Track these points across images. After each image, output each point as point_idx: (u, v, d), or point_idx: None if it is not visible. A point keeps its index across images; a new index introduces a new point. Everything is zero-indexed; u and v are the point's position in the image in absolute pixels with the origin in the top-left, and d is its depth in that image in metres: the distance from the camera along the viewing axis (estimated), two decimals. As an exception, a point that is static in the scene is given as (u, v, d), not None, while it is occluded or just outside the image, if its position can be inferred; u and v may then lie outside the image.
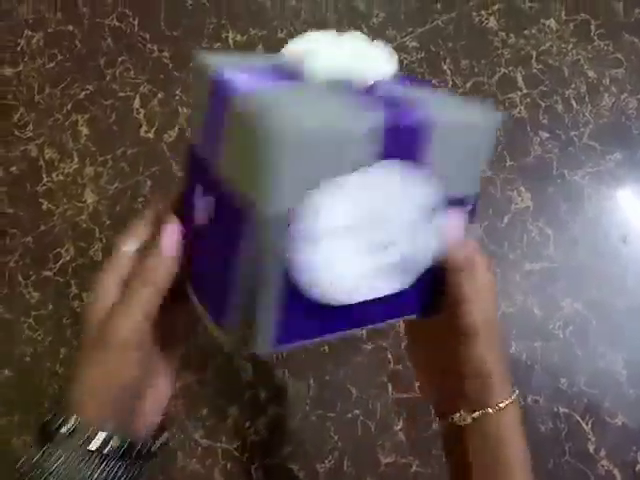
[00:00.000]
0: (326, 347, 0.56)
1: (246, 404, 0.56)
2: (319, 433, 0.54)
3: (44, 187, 0.64)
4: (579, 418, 0.53)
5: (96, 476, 0.26)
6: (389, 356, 0.55)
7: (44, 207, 0.63)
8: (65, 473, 0.25)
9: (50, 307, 0.60)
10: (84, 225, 0.62)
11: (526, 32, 0.62)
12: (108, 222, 0.62)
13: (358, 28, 0.65)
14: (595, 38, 0.62)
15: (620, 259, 0.55)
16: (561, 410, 0.53)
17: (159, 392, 0.30)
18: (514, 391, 0.31)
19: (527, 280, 0.56)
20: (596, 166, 0.58)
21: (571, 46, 0.62)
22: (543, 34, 0.62)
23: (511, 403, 0.30)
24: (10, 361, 0.59)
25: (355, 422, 0.54)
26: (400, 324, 0.54)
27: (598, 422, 0.52)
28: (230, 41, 0.66)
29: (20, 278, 0.61)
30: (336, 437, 0.54)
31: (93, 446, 0.26)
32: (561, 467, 0.51)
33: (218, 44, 0.66)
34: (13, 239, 0.63)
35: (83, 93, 0.67)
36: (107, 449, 0.26)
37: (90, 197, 0.63)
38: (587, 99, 0.60)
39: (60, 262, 0.61)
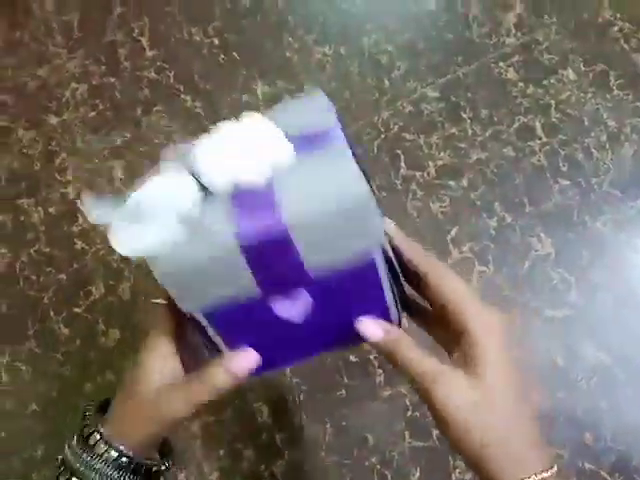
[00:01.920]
0: (343, 391, 0.56)
1: (262, 447, 0.55)
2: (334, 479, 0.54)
3: (79, 228, 0.67)
4: (606, 475, 0.50)
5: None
6: (407, 403, 0.55)
7: (78, 246, 0.67)
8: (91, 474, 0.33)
9: (78, 343, 0.62)
10: (114, 265, 0.65)
11: (545, 82, 0.64)
12: (137, 262, 0.65)
13: (380, 80, 0.67)
14: (614, 88, 0.62)
15: (645, 308, 0.54)
16: (587, 466, 0.51)
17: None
18: (552, 463, 0.27)
19: (549, 327, 0.55)
20: (617, 213, 0.57)
21: (590, 95, 0.62)
22: (562, 84, 0.63)
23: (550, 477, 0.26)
24: (37, 396, 0.60)
25: (372, 470, 0.53)
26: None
27: (626, 480, 0.50)
28: (259, 93, 0.70)
29: (52, 314, 0.64)
30: (352, 485, 0.53)
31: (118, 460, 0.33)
32: (587, 527, 0.49)
33: (247, 95, 0.70)
34: (48, 277, 0.66)
35: (120, 140, 0.71)
36: (125, 464, 0.33)
37: (121, 238, 0.66)
38: (607, 147, 0.60)
39: (90, 299, 0.64)
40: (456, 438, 0.28)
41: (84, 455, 0.33)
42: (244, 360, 0.31)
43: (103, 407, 0.37)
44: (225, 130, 0.29)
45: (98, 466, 0.33)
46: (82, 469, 0.33)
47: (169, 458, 0.37)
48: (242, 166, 0.28)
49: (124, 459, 0.33)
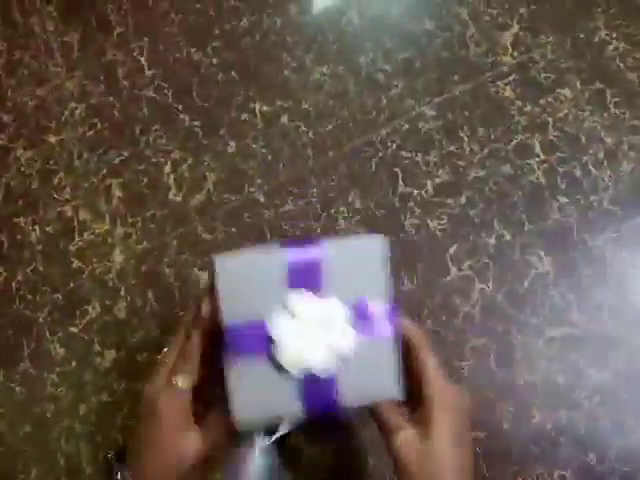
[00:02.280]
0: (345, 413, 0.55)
1: (260, 470, 0.54)
2: (334, 504, 0.52)
3: (76, 246, 0.67)
4: (611, 498, 0.49)
5: None
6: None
7: (74, 265, 0.66)
8: None
9: (73, 364, 0.62)
10: (110, 284, 0.65)
11: (542, 101, 0.64)
12: (134, 281, 0.64)
13: (378, 99, 0.68)
14: (611, 106, 0.63)
15: (647, 327, 0.54)
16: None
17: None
18: None
19: (550, 347, 0.54)
20: (617, 231, 0.57)
21: (587, 114, 0.63)
22: (559, 102, 0.64)
23: None
24: (31, 417, 0.60)
25: (371, 493, 0.52)
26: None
27: (632, 503, 0.49)
28: (257, 111, 0.70)
29: (47, 334, 0.63)
30: (351, 509, 0.52)
31: None
32: None
33: (245, 114, 0.70)
34: (43, 296, 0.65)
35: (118, 159, 0.71)
36: None
37: (118, 257, 0.66)
38: (605, 164, 0.60)
39: (86, 319, 0.63)
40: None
41: None
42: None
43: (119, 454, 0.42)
44: (303, 312, 0.36)
45: None
46: None
47: None
48: (316, 358, 0.36)
49: None
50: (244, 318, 0.36)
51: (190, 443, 0.37)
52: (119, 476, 0.40)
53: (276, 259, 0.36)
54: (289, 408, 0.36)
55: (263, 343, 0.35)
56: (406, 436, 0.36)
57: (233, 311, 0.36)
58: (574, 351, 0.54)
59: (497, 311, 0.56)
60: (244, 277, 0.36)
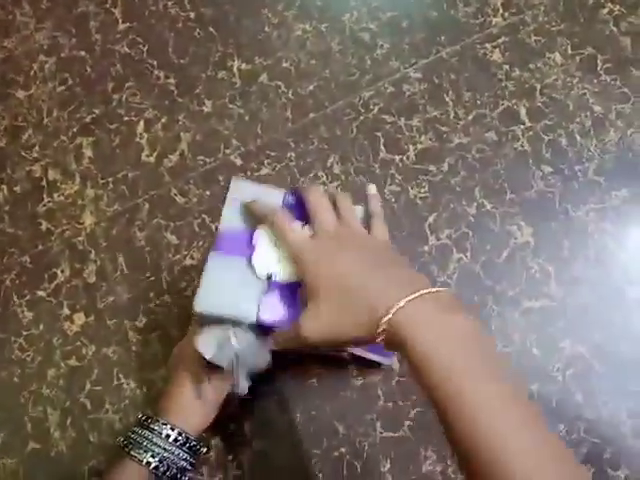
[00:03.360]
0: (314, 380, 0.54)
1: (230, 437, 0.54)
2: (304, 471, 0.52)
3: (44, 207, 0.65)
4: (579, 469, 0.49)
5: (170, 451, 0.44)
6: (379, 392, 0.53)
7: (43, 227, 0.64)
8: (150, 446, 0.44)
9: (41, 327, 0.60)
10: (80, 247, 0.62)
11: (531, 66, 0.61)
12: (104, 244, 0.62)
13: (362, 60, 0.65)
14: (601, 73, 0.60)
15: (624, 301, 0.53)
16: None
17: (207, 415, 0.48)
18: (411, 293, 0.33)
19: (526, 318, 0.53)
20: (600, 202, 0.56)
21: (577, 80, 0.60)
22: (548, 67, 0.61)
23: (401, 307, 0.33)
24: (-3, 380, 0.58)
25: (341, 461, 0.52)
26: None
27: (599, 473, 0.49)
28: (235, 70, 0.67)
29: (15, 297, 0.62)
30: (320, 475, 0.52)
31: (169, 436, 0.44)
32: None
33: (223, 72, 0.67)
34: (10, 258, 0.63)
35: (89, 117, 0.68)
36: (177, 439, 0.45)
37: (89, 219, 0.64)
38: (592, 134, 0.58)
39: (55, 283, 0.61)
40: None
41: (147, 433, 0.44)
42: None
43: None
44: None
45: (160, 443, 0.44)
46: (149, 445, 0.44)
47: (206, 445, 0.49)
48: (283, 270, 0.43)
49: (181, 436, 0.45)
50: (238, 227, 0.44)
51: (209, 389, 0.46)
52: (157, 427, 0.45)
53: (276, 195, 0.45)
54: (245, 311, 0.42)
55: (245, 249, 0.43)
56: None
57: (231, 220, 0.44)
58: (550, 323, 0.53)
59: (474, 281, 0.55)
60: (249, 197, 0.44)
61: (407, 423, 0.52)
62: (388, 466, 0.51)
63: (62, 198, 0.65)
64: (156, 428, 0.44)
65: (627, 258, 0.54)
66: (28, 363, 0.59)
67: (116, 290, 0.60)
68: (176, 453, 0.44)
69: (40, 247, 0.63)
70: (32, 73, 0.71)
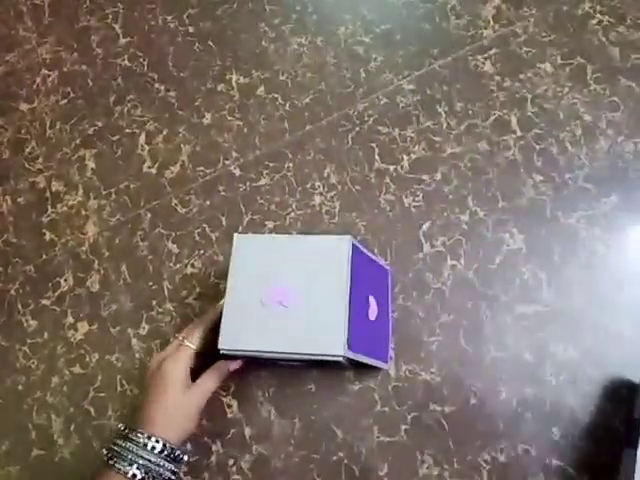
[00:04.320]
0: (312, 386, 0.55)
1: (230, 441, 0.55)
2: (302, 475, 0.53)
3: (48, 218, 0.66)
4: (572, 472, 0.50)
5: (155, 462, 0.45)
6: (376, 397, 0.54)
7: (47, 237, 0.65)
8: (135, 459, 0.44)
9: (45, 336, 0.61)
10: (84, 256, 0.64)
11: (521, 76, 0.63)
12: (107, 254, 0.64)
13: (356, 72, 0.66)
14: (591, 82, 0.62)
15: (615, 306, 0.54)
16: (553, 462, 0.51)
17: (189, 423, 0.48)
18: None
19: (518, 324, 0.55)
20: (591, 209, 0.57)
21: (567, 90, 0.62)
22: (538, 78, 0.63)
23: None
24: (2, 389, 0.60)
25: (339, 465, 0.53)
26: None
27: (593, 478, 0.50)
28: (233, 83, 0.69)
29: (19, 306, 0.63)
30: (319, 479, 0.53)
31: (155, 448, 0.45)
32: (552, 523, 0.49)
33: (222, 85, 0.69)
34: (15, 268, 0.65)
35: (92, 129, 0.70)
36: (162, 450, 0.45)
37: (92, 229, 0.65)
38: (583, 142, 0.60)
39: (58, 292, 0.63)
40: None
41: (132, 446, 0.45)
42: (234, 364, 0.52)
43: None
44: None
45: (146, 455, 0.44)
46: (131, 457, 0.44)
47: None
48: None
49: (166, 448, 0.45)
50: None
51: (192, 397, 0.48)
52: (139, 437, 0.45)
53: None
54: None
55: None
56: None
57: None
58: (542, 328, 0.54)
59: (468, 288, 0.56)
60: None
61: (404, 427, 0.53)
62: (385, 470, 0.52)
63: (65, 209, 0.66)
64: (140, 440, 0.44)
65: (617, 263, 0.55)
66: (32, 371, 0.60)
67: (119, 298, 0.62)
68: (161, 464, 0.45)
69: (44, 257, 0.65)
70: (35, 86, 0.73)
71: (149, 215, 0.65)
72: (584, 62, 0.63)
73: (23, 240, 0.66)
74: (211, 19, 0.72)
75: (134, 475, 0.44)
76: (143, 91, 0.70)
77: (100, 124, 0.70)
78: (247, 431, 0.55)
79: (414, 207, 0.60)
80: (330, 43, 0.68)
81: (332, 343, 0.42)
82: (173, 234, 0.63)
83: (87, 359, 0.60)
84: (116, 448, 0.45)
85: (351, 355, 0.43)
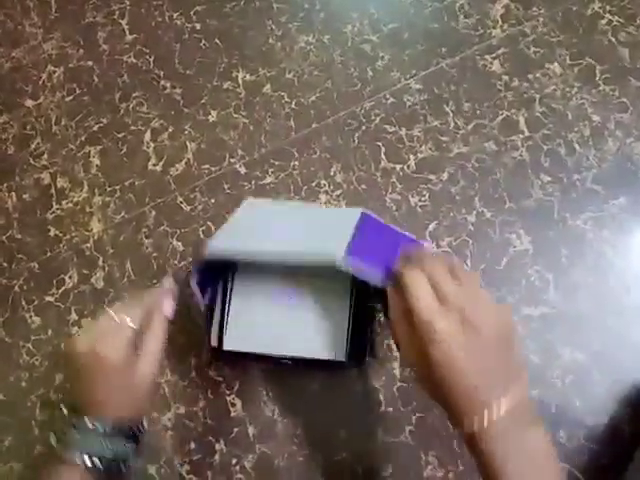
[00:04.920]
0: (316, 386, 0.55)
1: (234, 441, 0.55)
2: (305, 475, 0.53)
3: (53, 214, 0.66)
4: (579, 474, 0.50)
5: (106, 446, 0.41)
6: (380, 398, 0.54)
7: (51, 234, 0.65)
8: (86, 445, 0.41)
9: (49, 332, 0.61)
10: (88, 253, 0.64)
11: (530, 76, 0.63)
12: (111, 251, 0.63)
13: (363, 71, 0.66)
14: (600, 83, 0.61)
15: (623, 309, 0.53)
16: (560, 464, 0.50)
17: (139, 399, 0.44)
18: (510, 397, 0.34)
19: (525, 325, 0.54)
20: (599, 211, 0.57)
21: (575, 90, 0.61)
22: (547, 78, 0.62)
23: (504, 414, 0.34)
24: (5, 385, 0.59)
25: (343, 465, 0.53)
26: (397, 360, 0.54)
27: None
28: (240, 80, 0.68)
29: (23, 302, 0.63)
30: (323, 479, 0.53)
31: (103, 429, 0.41)
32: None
33: (228, 82, 0.68)
34: (19, 264, 0.64)
35: (97, 126, 0.69)
36: (110, 430, 0.41)
37: (96, 226, 0.65)
38: (591, 143, 0.59)
39: (62, 288, 0.63)
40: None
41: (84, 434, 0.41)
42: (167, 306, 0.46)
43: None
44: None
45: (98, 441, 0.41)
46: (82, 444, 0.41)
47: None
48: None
49: (115, 429, 0.41)
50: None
51: (141, 371, 0.42)
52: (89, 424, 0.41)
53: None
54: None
55: None
56: (409, 349, 0.38)
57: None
58: (549, 330, 0.54)
59: (474, 289, 0.55)
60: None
61: (408, 428, 0.53)
62: (390, 471, 0.52)
63: (70, 205, 0.66)
64: (87, 425, 0.41)
65: (625, 266, 0.55)
66: (36, 368, 0.60)
67: (123, 296, 0.61)
68: (111, 447, 0.41)
69: (48, 253, 0.64)
70: (40, 83, 0.73)
71: (154, 212, 0.64)
72: (593, 62, 0.62)
73: (28, 236, 0.65)
74: (218, 16, 0.72)
75: (85, 462, 0.40)
76: (149, 88, 0.70)
77: (105, 121, 0.69)
78: (251, 430, 0.55)
79: (420, 207, 0.59)
80: (337, 41, 0.68)
81: (332, 250, 0.40)
82: (178, 232, 0.63)
83: (91, 356, 0.60)
84: (62, 437, 0.42)
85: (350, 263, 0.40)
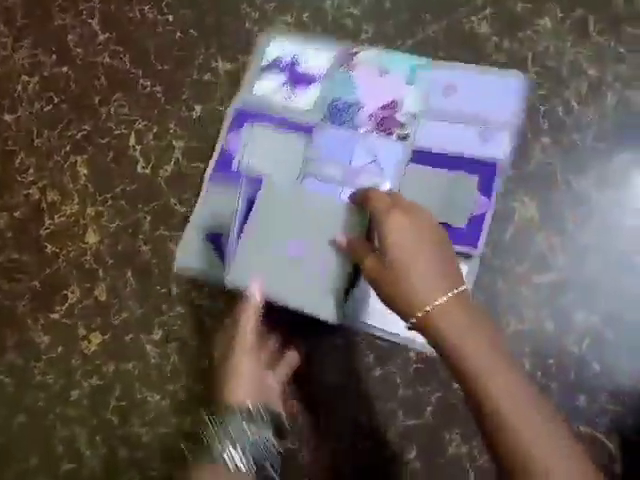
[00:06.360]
0: (332, 377, 0.55)
1: (256, 439, 0.55)
2: (331, 466, 0.53)
3: (47, 230, 0.65)
4: (603, 438, 0.50)
5: (252, 439, 0.39)
6: (398, 381, 0.54)
7: (48, 250, 0.64)
8: (235, 436, 0.39)
9: (60, 350, 0.61)
10: (87, 266, 0.63)
11: (520, 34, 0.60)
12: (111, 261, 0.62)
13: (347, 45, 0.63)
14: (594, 34, 0.59)
15: (633, 266, 0.52)
16: (582, 430, 0.50)
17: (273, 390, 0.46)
18: (448, 290, 0.38)
19: (536, 294, 0.53)
20: (602, 169, 0.55)
21: (569, 45, 0.59)
22: (538, 35, 0.60)
23: (444, 302, 0.37)
24: (23, 407, 0.59)
25: (367, 453, 0.53)
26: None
27: (623, 441, 0.49)
28: (220, 70, 0.66)
29: (29, 322, 0.62)
30: (349, 470, 0.53)
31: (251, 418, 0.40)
32: (586, 491, 0.49)
33: (208, 74, 0.66)
34: (20, 284, 0.64)
35: (80, 134, 0.67)
36: (259, 418, 0.41)
37: (92, 237, 0.64)
38: (589, 99, 0.57)
39: (67, 304, 0.62)
40: (379, 298, 0.41)
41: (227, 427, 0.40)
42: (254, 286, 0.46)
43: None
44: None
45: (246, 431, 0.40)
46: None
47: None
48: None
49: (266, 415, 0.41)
50: None
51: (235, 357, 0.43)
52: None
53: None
54: None
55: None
56: (370, 260, 0.41)
57: None
58: (561, 296, 0.53)
59: (482, 262, 0.54)
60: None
61: (429, 409, 0.53)
62: (414, 453, 0.52)
63: (63, 219, 0.65)
64: (235, 416, 0.39)
65: (633, 223, 0.54)
66: (51, 386, 0.60)
67: (129, 305, 0.61)
68: (263, 440, 0.40)
69: (48, 270, 0.63)
70: (16, 95, 0.71)
71: (149, 217, 0.63)
72: (585, 13, 0.60)
73: (25, 255, 0.64)
74: (190, 5, 0.69)
75: (234, 461, 0.38)
76: (128, 89, 0.68)
77: (88, 128, 0.67)
78: (272, 427, 0.55)
79: (420, 184, 0.58)
80: (317, 19, 0.65)
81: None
82: (175, 234, 0.62)
83: (104, 369, 0.59)
84: (205, 439, 0.39)
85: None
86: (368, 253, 0.42)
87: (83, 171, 0.66)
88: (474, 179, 0.54)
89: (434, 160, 0.56)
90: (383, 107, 0.59)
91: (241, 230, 0.48)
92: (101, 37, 0.71)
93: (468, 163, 0.55)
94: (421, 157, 0.57)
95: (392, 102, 0.59)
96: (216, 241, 0.57)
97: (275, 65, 0.63)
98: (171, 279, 0.60)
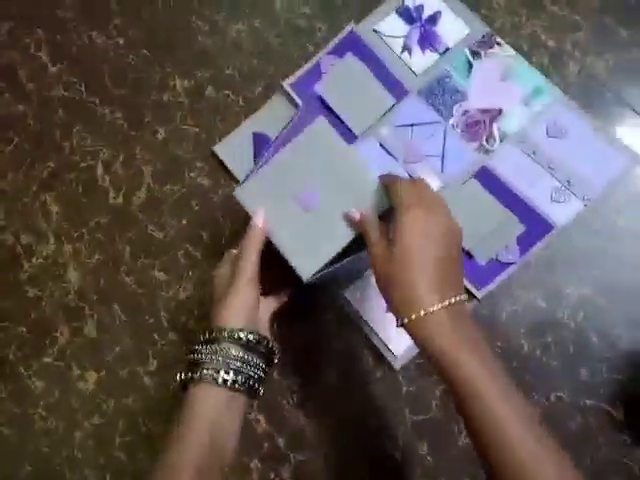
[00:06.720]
0: (335, 382, 0.54)
1: (267, 456, 0.54)
2: (345, 472, 0.53)
3: (27, 274, 0.63)
4: (609, 407, 0.50)
5: (241, 356, 0.42)
6: (401, 379, 0.54)
7: (30, 294, 0.63)
8: (223, 358, 0.41)
9: (57, 394, 0.60)
10: (73, 304, 0.62)
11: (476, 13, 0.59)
12: (95, 297, 0.61)
13: (303, 47, 0.62)
14: (547, 4, 0.58)
15: (615, 231, 0.53)
16: (588, 403, 0.51)
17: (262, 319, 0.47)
18: (447, 298, 0.37)
19: (524, 273, 0.53)
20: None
21: (524, 19, 0.59)
22: (492, 12, 0.59)
23: (440, 309, 0.36)
24: (28, 456, 0.58)
25: (379, 454, 0.53)
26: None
27: (629, 409, 0.50)
28: (179, 88, 0.65)
29: (22, 370, 0.61)
30: (363, 473, 0.53)
31: (240, 339, 0.42)
32: (600, 462, 0.49)
33: (167, 94, 0.65)
34: (7, 332, 0.62)
35: (45, 171, 0.66)
36: (247, 340, 0.42)
37: (73, 275, 0.62)
38: (551, 70, 0.57)
39: (57, 346, 0.61)
40: (377, 285, 0.40)
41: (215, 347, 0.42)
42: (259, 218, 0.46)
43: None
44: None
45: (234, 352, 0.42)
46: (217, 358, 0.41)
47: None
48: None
49: (249, 337, 0.42)
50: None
51: (236, 282, 0.44)
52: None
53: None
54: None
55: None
56: (378, 247, 0.41)
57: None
58: (549, 273, 0.53)
59: (468, 250, 0.54)
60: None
61: (434, 403, 0.53)
62: (426, 448, 0.52)
63: (42, 260, 0.64)
64: (226, 336, 0.42)
65: (611, 191, 0.54)
66: (53, 431, 0.59)
67: (120, 339, 0.60)
68: (252, 362, 0.42)
69: (33, 315, 0.62)
70: (-25, 140, 0.68)
71: (128, 248, 0.62)
72: (537, -16, 0.59)
73: (7, 302, 0.63)
74: (138, 25, 0.67)
75: (225, 380, 0.40)
76: (88, 119, 0.66)
77: (53, 164, 0.66)
78: (280, 441, 0.55)
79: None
80: (270, 23, 0.64)
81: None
82: (157, 262, 0.61)
83: (104, 407, 0.59)
84: (197, 356, 0.42)
85: None
86: (378, 238, 0.41)
87: (54, 209, 0.65)
88: (520, 227, 0.53)
89: (496, 187, 0.53)
90: (484, 111, 0.55)
91: (276, 151, 0.47)
92: (52, 69, 0.69)
93: (526, 209, 0.53)
94: (486, 178, 0.54)
95: (498, 111, 0.55)
96: (258, 141, 0.59)
97: (415, 10, 0.59)
98: (159, 307, 0.59)
